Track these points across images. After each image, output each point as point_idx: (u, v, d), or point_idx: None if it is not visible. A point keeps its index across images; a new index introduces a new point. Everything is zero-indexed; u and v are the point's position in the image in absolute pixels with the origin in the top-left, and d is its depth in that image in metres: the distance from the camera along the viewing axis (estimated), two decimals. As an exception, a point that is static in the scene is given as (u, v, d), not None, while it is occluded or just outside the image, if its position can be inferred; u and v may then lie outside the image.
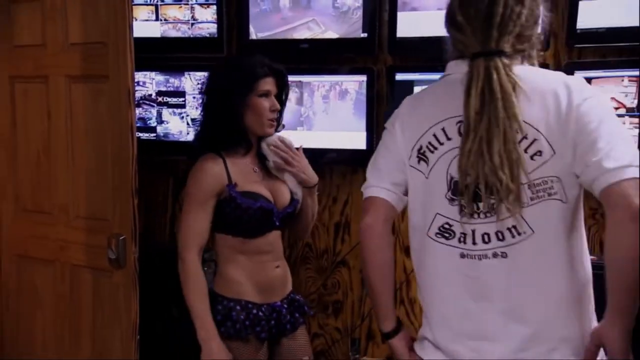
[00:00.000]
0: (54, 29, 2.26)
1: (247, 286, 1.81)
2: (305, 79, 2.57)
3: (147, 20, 2.71)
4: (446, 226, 1.28)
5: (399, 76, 2.49)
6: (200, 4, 2.63)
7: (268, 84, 1.81)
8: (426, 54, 2.44)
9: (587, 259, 1.33)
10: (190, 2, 2.64)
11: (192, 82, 2.67)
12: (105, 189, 2.15)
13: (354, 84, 2.52)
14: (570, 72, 2.30)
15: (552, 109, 1.21)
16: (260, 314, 1.81)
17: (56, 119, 2.29)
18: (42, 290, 2.41)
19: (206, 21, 2.63)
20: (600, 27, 2.27)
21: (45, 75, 2.31)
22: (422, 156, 1.31)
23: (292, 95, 2.57)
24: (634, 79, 2.27)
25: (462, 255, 1.27)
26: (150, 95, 2.75)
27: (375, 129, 2.54)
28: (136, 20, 2.70)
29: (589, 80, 2.28)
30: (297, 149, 1.93)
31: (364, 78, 2.51)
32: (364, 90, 2.51)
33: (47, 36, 2.29)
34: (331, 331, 2.75)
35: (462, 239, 1.26)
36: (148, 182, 2.88)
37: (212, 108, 1.83)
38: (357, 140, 2.54)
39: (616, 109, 2.29)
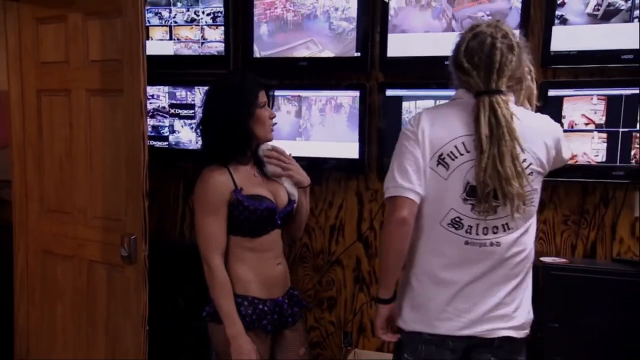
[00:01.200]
0: (76, 47, 2.36)
1: (253, 283, 1.87)
2: (303, 93, 2.64)
3: (161, 39, 2.79)
4: (457, 219, 1.56)
5: (389, 92, 2.56)
6: (210, 25, 2.71)
7: (264, 96, 1.90)
8: (414, 72, 2.53)
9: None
10: (200, 24, 2.72)
11: (201, 96, 2.75)
12: (119, 191, 2.24)
13: (348, 98, 2.58)
14: (544, 90, 2.37)
15: (542, 147, 1.57)
16: (266, 308, 1.88)
17: (77, 128, 2.39)
18: (62, 283, 2.50)
19: (214, 40, 2.71)
20: (572, 50, 2.32)
21: (68, 89, 2.41)
22: (442, 161, 1.55)
23: (292, 108, 2.65)
24: (602, 97, 2.32)
25: (467, 243, 1.56)
26: (164, 107, 2.84)
27: (367, 140, 2.61)
28: (152, 39, 2.80)
29: (561, 98, 2.36)
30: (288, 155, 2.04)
31: (357, 93, 2.57)
32: (357, 105, 2.57)
33: (70, 54, 2.39)
34: (326, 324, 2.81)
35: (468, 230, 1.55)
36: (161, 185, 2.97)
37: (222, 125, 1.85)
38: (350, 150, 2.61)
39: (586, 124, 2.34)
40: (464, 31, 1.62)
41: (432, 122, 1.57)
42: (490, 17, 2.37)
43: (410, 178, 1.54)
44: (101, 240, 2.32)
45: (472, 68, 1.53)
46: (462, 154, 1.53)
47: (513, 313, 1.59)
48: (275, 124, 1.97)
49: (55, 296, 2.53)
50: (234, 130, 1.84)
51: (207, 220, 1.83)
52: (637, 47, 2.26)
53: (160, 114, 2.84)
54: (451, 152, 1.53)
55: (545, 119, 1.67)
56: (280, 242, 2.00)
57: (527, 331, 1.65)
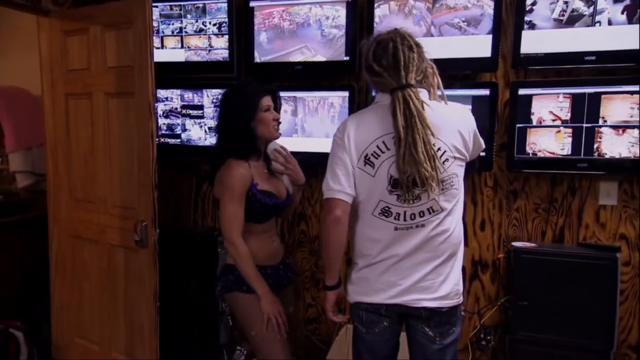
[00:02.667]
0: (96, 55, 2.50)
1: (258, 256, 2.02)
2: (299, 94, 2.72)
3: (174, 48, 2.89)
4: (386, 208, 1.66)
5: (375, 92, 2.60)
6: (216, 34, 2.80)
7: (267, 101, 2.03)
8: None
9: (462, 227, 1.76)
10: (207, 33, 2.81)
11: (209, 97, 2.86)
12: (133, 183, 2.37)
13: (339, 98, 2.65)
14: (515, 89, 2.41)
15: (455, 134, 1.65)
16: (269, 272, 2.06)
17: (97, 127, 2.53)
18: (89, 264, 2.67)
19: (220, 48, 2.80)
20: (540, 53, 2.36)
21: (90, 93, 2.55)
22: (368, 161, 1.64)
23: (288, 108, 2.73)
24: (568, 95, 2.35)
25: (396, 228, 1.67)
26: (176, 108, 2.94)
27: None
28: (166, 48, 2.91)
29: (531, 96, 2.39)
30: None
31: (346, 94, 2.64)
32: (347, 104, 2.64)
33: (92, 61, 2.53)
34: (322, 302, 2.90)
35: (397, 217, 1.66)
36: (176, 178, 3.09)
37: (230, 128, 2.01)
38: (341, 145, 2.67)
39: (553, 120, 2.37)
40: (368, 42, 1.70)
41: (356, 127, 1.66)
42: (465, 23, 2.42)
43: (340, 181, 1.64)
44: (119, 226, 2.46)
45: (383, 70, 1.61)
46: (383, 152, 1.62)
47: (438, 286, 1.68)
48: (280, 123, 2.11)
49: (83, 276, 2.69)
50: (239, 130, 1.98)
51: (232, 205, 1.95)
52: (599, 49, 2.30)
53: (173, 114, 2.95)
54: (374, 152, 1.62)
55: (458, 109, 1.76)
56: (274, 225, 2.19)
57: (454, 301, 1.72)
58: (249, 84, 2.10)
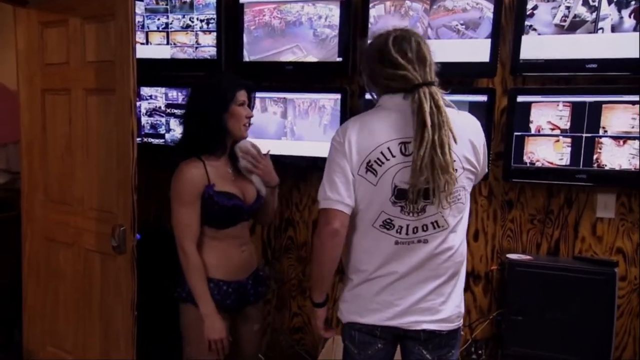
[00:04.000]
0: (75, 49, 2.29)
1: (218, 267, 1.83)
2: (289, 96, 2.54)
3: (159, 44, 2.70)
4: (388, 220, 1.47)
5: (368, 95, 2.41)
6: (203, 31, 2.62)
7: (243, 95, 1.84)
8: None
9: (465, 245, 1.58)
10: (195, 29, 2.63)
11: (195, 97, 2.66)
12: (112, 185, 2.17)
13: (330, 101, 2.49)
14: (513, 96, 2.27)
15: (468, 144, 1.48)
16: (230, 289, 1.86)
17: (75, 125, 2.32)
18: (64, 268, 2.45)
19: (208, 45, 2.62)
20: (540, 59, 2.21)
21: (68, 88, 2.34)
22: (370, 168, 1.44)
23: (277, 110, 2.56)
24: (568, 104, 2.21)
25: (397, 242, 1.48)
26: (160, 107, 2.75)
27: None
28: (151, 44, 2.72)
29: (529, 104, 2.25)
30: (265, 154, 1.96)
31: (338, 96, 2.47)
32: (339, 107, 2.47)
33: (70, 55, 2.32)
34: (308, 312, 2.73)
35: (399, 230, 1.47)
36: (158, 179, 2.88)
37: (199, 117, 1.80)
38: (332, 149, 2.51)
39: (552, 129, 2.23)
40: (378, 36, 1.52)
41: (358, 131, 1.47)
42: (463, 26, 2.27)
43: (339, 190, 1.45)
44: (96, 230, 2.26)
45: (407, 62, 1.42)
46: (388, 159, 1.43)
47: (439, 306, 1.52)
48: (252, 124, 1.90)
49: (57, 280, 2.48)
50: (209, 122, 1.79)
51: (183, 210, 1.78)
52: (601, 57, 2.16)
53: (158, 113, 2.75)
54: (378, 158, 1.44)
55: (469, 118, 1.57)
56: (246, 232, 1.96)
57: (455, 324, 1.57)
58: (225, 74, 1.93)
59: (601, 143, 2.20)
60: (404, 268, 1.49)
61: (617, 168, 2.19)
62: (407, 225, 1.46)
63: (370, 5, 2.37)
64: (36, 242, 2.55)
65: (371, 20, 2.38)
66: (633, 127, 2.17)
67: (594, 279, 2.18)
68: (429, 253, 1.48)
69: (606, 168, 2.20)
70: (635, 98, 2.16)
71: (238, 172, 1.92)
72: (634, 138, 2.17)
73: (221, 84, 1.83)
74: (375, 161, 1.44)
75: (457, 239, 1.52)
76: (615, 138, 2.19)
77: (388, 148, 1.43)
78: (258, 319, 2.03)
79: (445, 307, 1.52)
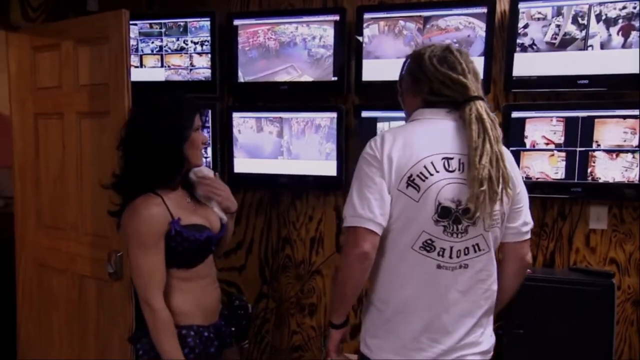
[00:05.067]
0: (68, 73, 2.10)
1: (195, 312, 1.47)
2: (285, 115, 2.36)
3: (154, 67, 2.51)
4: (429, 242, 1.23)
5: (365, 114, 2.28)
6: (198, 53, 2.43)
7: (198, 120, 1.49)
8: (387, 95, 2.24)
9: None
10: (189, 52, 2.44)
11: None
12: (106, 209, 1.94)
13: (326, 119, 2.31)
14: (508, 113, 2.13)
15: (516, 172, 1.33)
16: (211, 335, 1.51)
17: (69, 149, 2.12)
18: (57, 295, 2.22)
19: (202, 67, 2.43)
20: (533, 75, 2.08)
21: (61, 112, 2.14)
22: (412, 183, 1.22)
23: (273, 129, 2.38)
24: (561, 119, 2.08)
25: (439, 266, 1.24)
26: (156, 128, 2.53)
27: (344, 158, 2.33)
28: (145, 67, 2.52)
29: (524, 119, 2.11)
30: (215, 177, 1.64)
31: (334, 115, 2.30)
32: (335, 125, 2.30)
33: (63, 79, 2.13)
34: (307, 329, 2.53)
35: (440, 253, 1.23)
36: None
37: (155, 148, 1.40)
38: (329, 167, 2.33)
39: (546, 144, 2.09)
40: (431, 45, 1.33)
41: (397, 143, 1.24)
42: (456, 45, 2.12)
43: (371, 208, 1.21)
44: (90, 256, 2.04)
45: (459, 75, 1.25)
46: (432, 174, 1.21)
47: (480, 338, 1.31)
48: (206, 148, 1.64)
49: (51, 307, 2.25)
50: (167, 154, 1.41)
51: (145, 256, 1.37)
52: (592, 73, 2.04)
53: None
54: (421, 172, 1.21)
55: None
56: (214, 266, 1.60)
57: (491, 355, 1.37)
58: (176, 96, 1.49)
59: (595, 157, 2.06)
60: (448, 297, 1.25)
61: (611, 181, 2.06)
62: (451, 248, 1.23)
63: (365, 25, 2.21)
64: (29, 268, 2.31)
65: (365, 39, 2.22)
66: (625, 141, 2.05)
67: (593, 290, 2.03)
68: (470, 279, 1.26)
69: (600, 181, 2.06)
70: (626, 112, 2.04)
71: (197, 201, 1.55)
72: (626, 151, 2.05)
73: (179, 109, 1.44)
74: (418, 175, 1.21)
75: (494, 265, 1.31)
76: (608, 151, 2.06)
77: (432, 162, 1.22)
78: (237, 355, 1.68)
79: (484, 339, 1.32)
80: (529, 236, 1.37)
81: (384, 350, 1.28)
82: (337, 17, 2.24)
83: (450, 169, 1.22)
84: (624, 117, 2.04)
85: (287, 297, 2.53)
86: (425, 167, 1.21)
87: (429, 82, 1.27)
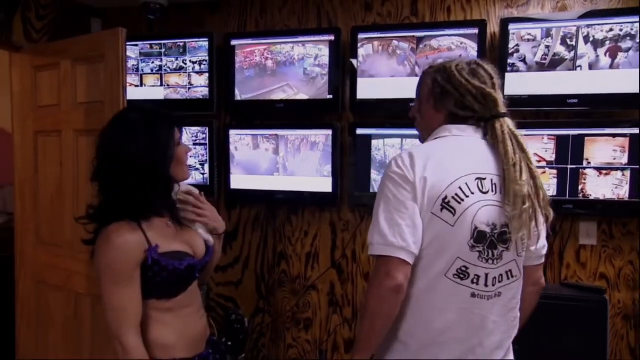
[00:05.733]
0: (66, 91, 1.96)
1: (178, 345, 1.22)
2: (280, 132, 2.22)
3: (153, 86, 2.37)
4: (463, 269, 1.05)
5: (359, 131, 2.15)
6: (196, 72, 2.30)
7: (177, 132, 1.24)
8: (381, 112, 2.14)
9: None
10: (187, 71, 2.31)
11: (188, 135, 2.32)
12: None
13: (322, 137, 2.17)
14: (501, 130, 2.00)
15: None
16: None
17: (66, 166, 1.97)
18: (54, 311, 2.06)
19: (200, 86, 2.30)
20: (524, 95, 1.96)
21: (59, 130, 2.00)
22: (447, 206, 1.04)
23: (269, 146, 2.24)
24: (552, 137, 1.95)
25: (473, 295, 1.06)
26: (155, 146, 2.39)
27: (339, 175, 2.19)
28: (145, 86, 2.38)
29: (516, 137, 1.98)
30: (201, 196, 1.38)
31: (329, 132, 2.17)
32: (330, 142, 2.17)
33: (62, 97, 1.98)
34: (303, 343, 2.36)
35: (475, 281, 1.05)
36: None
37: (134, 172, 1.14)
38: (324, 184, 2.19)
39: (538, 161, 1.96)
40: (446, 65, 1.16)
41: (430, 163, 1.05)
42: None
43: (404, 235, 1.02)
44: (86, 273, 1.88)
45: (493, 90, 1.11)
46: (467, 196, 1.04)
47: None
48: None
49: (48, 323, 2.08)
50: (153, 179, 1.17)
51: (118, 291, 1.12)
52: (581, 92, 1.92)
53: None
54: (456, 194, 1.04)
55: None
56: (199, 293, 1.32)
57: None
58: (154, 111, 1.22)
59: (585, 174, 1.94)
60: (482, 330, 1.07)
61: (602, 197, 1.92)
62: (486, 275, 1.05)
63: (359, 44, 2.08)
64: (29, 284, 2.14)
65: (360, 59, 2.09)
66: (615, 159, 1.92)
67: (586, 306, 1.88)
68: (503, 308, 1.09)
69: (591, 198, 1.93)
70: (615, 131, 1.92)
71: (178, 223, 1.25)
72: (616, 169, 1.92)
73: (156, 125, 1.18)
74: (453, 197, 1.03)
75: (520, 292, 1.14)
76: (598, 169, 1.93)
77: (466, 184, 1.04)
78: None
79: None
80: (544, 259, 1.21)
81: None
82: (332, 37, 2.11)
83: (484, 191, 1.06)
84: (614, 135, 1.93)
85: (283, 311, 2.37)
86: (460, 188, 1.04)
87: (460, 96, 1.11)
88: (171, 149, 1.18)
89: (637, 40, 1.87)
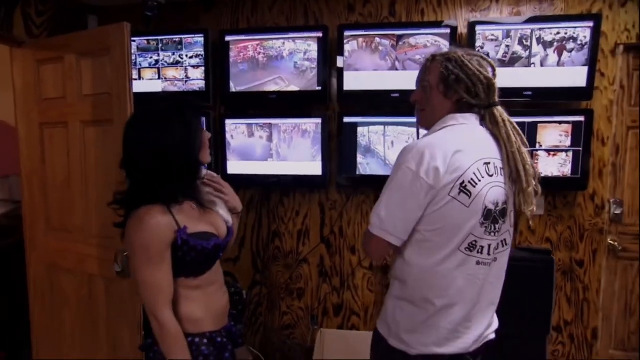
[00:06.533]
0: (71, 84, 1.84)
1: (206, 319, 1.20)
2: (274, 121, 2.21)
3: (151, 79, 2.27)
4: (473, 242, 1.09)
5: (346, 119, 2.16)
6: (192, 66, 2.22)
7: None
8: (366, 102, 2.15)
9: None
10: (184, 65, 2.23)
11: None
12: (111, 213, 1.70)
13: (312, 125, 2.17)
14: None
15: None
16: (225, 340, 1.24)
17: (73, 155, 1.87)
18: (68, 293, 1.97)
19: (196, 79, 2.23)
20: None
21: (65, 122, 1.88)
22: (464, 189, 1.06)
23: (263, 134, 2.22)
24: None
25: (478, 263, 1.11)
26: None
27: (328, 159, 2.20)
28: (143, 79, 2.28)
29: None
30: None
31: (319, 121, 2.17)
32: (320, 130, 2.17)
33: (67, 90, 1.86)
34: (296, 310, 2.39)
35: (480, 251, 1.10)
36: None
37: (168, 161, 1.11)
38: (314, 168, 2.20)
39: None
40: (453, 54, 1.14)
41: (446, 154, 1.05)
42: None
43: (397, 225, 1.08)
44: (98, 256, 1.81)
45: (489, 86, 1.12)
46: (480, 180, 1.07)
47: (494, 319, 1.22)
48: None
49: (62, 303, 2.00)
50: (187, 164, 1.14)
51: (151, 270, 1.09)
52: (534, 86, 2.01)
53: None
54: (471, 179, 1.06)
55: None
56: (221, 271, 1.31)
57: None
58: (183, 101, 1.16)
59: (538, 155, 2.05)
60: (483, 290, 1.13)
61: (550, 175, 2.04)
62: (489, 245, 1.11)
63: (345, 41, 2.08)
64: (40, 268, 2.04)
65: (346, 54, 2.09)
66: (560, 142, 2.04)
67: (537, 265, 2.00)
68: (498, 271, 1.16)
69: (542, 175, 2.04)
70: (561, 119, 2.03)
71: (201, 206, 1.22)
72: (561, 150, 2.04)
73: (186, 115, 1.13)
74: (469, 182, 1.06)
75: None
76: (547, 151, 2.04)
77: (478, 169, 1.07)
78: (248, 353, 1.45)
79: (495, 318, 1.22)
80: None
81: (424, 344, 1.12)
82: (320, 34, 2.10)
83: (490, 174, 1.09)
84: (560, 122, 2.03)
85: (277, 283, 2.38)
86: (474, 173, 1.07)
87: (471, 84, 1.11)
88: (201, 137, 1.16)
89: (579, 42, 1.98)
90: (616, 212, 2.18)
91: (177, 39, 2.21)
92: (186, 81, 2.24)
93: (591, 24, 1.96)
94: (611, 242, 2.18)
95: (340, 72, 2.11)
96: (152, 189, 1.11)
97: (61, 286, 1.96)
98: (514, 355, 1.96)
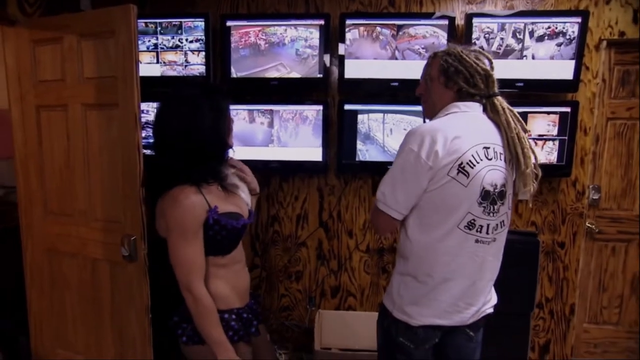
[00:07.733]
0: (71, 66, 1.73)
1: (232, 296, 1.24)
2: (275, 107, 2.15)
3: (149, 63, 2.18)
4: (472, 221, 1.14)
5: (347, 106, 2.13)
6: (192, 51, 2.14)
7: None
8: (366, 90, 2.13)
9: None
10: (184, 49, 2.14)
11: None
12: (117, 197, 1.67)
13: (313, 112, 2.13)
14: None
15: None
16: (250, 316, 1.29)
17: (74, 139, 1.77)
18: (69, 277, 1.88)
19: (197, 63, 2.14)
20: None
21: (65, 104, 1.77)
22: (462, 170, 1.11)
23: (265, 120, 2.16)
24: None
25: (477, 241, 1.16)
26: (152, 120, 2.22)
27: (328, 145, 2.18)
28: (141, 62, 2.17)
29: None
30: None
31: (320, 107, 2.13)
32: (320, 117, 2.13)
33: (66, 72, 1.75)
34: (294, 292, 2.38)
35: (479, 230, 1.15)
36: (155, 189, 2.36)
37: (202, 141, 1.14)
38: (314, 154, 2.17)
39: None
40: (452, 49, 1.19)
41: (443, 137, 1.10)
42: (424, 49, 2.02)
43: (399, 201, 1.14)
44: (102, 240, 1.74)
45: (487, 78, 1.18)
46: (477, 162, 1.12)
47: (492, 294, 1.28)
48: None
49: (62, 288, 1.91)
50: (218, 147, 1.19)
51: (186, 246, 1.13)
52: (526, 77, 2.04)
53: (150, 126, 2.22)
54: (470, 161, 1.11)
55: None
56: (243, 250, 1.33)
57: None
58: (211, 86, 1.22)
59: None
60: (482, 268, 1.18)
61: (538, 162, 2.08)
62: (488, 225, 1.15)
63: (346, 29, 2.04)
64: (37, 253, 1.94)
65: (347, 42, 2.06)
66: (548, 131, 2.08)
67: (523, 247, 2.06)
68: (497, 250, 1.20)
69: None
70: (549, 109, 2.07)
71: (225, 189, 1.24)
72: (548, 139, 2.08)
73: (215, 99, 1.16)
74: (467, 163, 1.10)
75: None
76: (536, 139, 2.08)
77: (476, 152, 1.12)
78: (265, 329, 1.48)
79: (493, 293, 1.29)
80: None
81: (425, 315, 1.18)
82: (322, 22, 2.05)
83: (489, 157, 1.14)
84: (548, 112, 2.07)
85: (276, 266, 2.36)
86: (472, 155, 1.12)
87: (469, 75, 1.17)
88: (230, 121, 1.17)
89: (567, 37, 2.01)
90: (594, 197, 2.25)
91: (176, 22, 2.12)
92: (186, 66, 2.15)
93: (579, 20, 1.99)
94: (589, 225, 2.26)
95: (341, 59, 2.07)
96: (185, 170, 1.12)
97: (62, 271, 1.88)
98: (501, 329, 2.03)
